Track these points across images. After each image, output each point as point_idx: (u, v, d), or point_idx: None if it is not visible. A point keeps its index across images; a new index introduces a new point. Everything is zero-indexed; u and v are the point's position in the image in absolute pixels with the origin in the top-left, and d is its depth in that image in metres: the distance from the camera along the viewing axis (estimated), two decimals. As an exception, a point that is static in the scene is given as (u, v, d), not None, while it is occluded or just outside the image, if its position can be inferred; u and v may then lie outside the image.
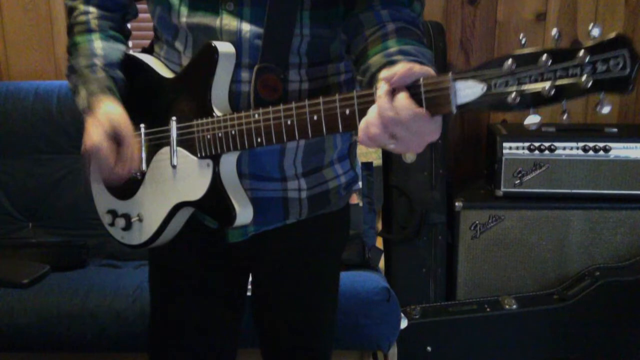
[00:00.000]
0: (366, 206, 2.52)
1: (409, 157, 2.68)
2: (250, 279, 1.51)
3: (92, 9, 1.36)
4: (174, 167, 1.27)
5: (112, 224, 1.40)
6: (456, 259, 2.65)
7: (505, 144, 2.60)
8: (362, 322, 2.14)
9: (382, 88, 0.95)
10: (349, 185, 1.43)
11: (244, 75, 1.23)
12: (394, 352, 2.24)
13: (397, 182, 2.70)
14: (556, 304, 2.52)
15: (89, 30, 1.34)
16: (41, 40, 2.83)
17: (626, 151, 2.57)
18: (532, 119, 0.86)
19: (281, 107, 1.10)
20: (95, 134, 1.23)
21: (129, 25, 1.45)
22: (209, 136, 1.20)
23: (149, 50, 1.41)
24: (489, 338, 2.52)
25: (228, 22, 1.21)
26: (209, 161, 1.22)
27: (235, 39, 1.21)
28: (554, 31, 0.85)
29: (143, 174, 1.34)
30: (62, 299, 2.16)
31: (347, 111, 1.02)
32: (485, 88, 0.87)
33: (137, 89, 1.32)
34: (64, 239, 2.53)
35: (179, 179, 1.28)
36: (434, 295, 2.72)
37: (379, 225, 2.66)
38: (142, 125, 1.31)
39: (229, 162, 1.23)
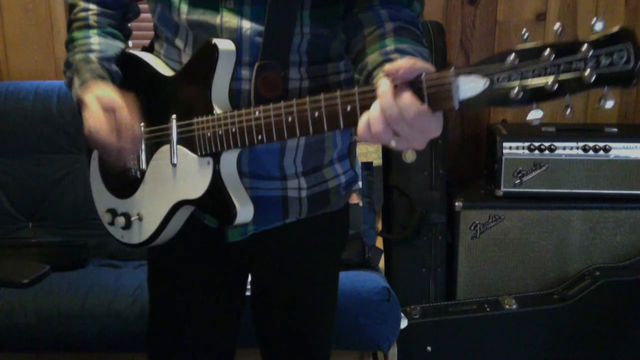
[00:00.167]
0: (366, 206, 2.52)
1: (409, 157, 2.68)
2: (249, 278, 1.51)
3: (92, 6, 1.36)
4: (174, 165, 1.27)
5: (111, 223, 1.40)
6: (456, 259, 2.65)
7: (505, 144, 2.60)
8: (362, 322, 2.14)
9: (384, 84, 0.95)
10: (348, 185, 1.43)
11: (244, 73, 1.23)
12: (394, 352, 2.24)
13: (397, 182, 2.70)
14: (556, 304, 2.52)
15: (88, 27, 1.34)
16: (41, 40, 2.83)
17: (626, 151, 2.57)
18: (534, 114, 0.86)
19: (282, 104, 1.10)
20: (91, 117, 1.22)
21: (129, 25, 1.45)
22: (209, 134, 1.20)
23: (149, 49, 1.41)
24: (489, 338, 2.51)
25: (228, 19, 1.21)
26: (210, 159, 1.22)
27: (236, 36, 1.21)
28: (557, 25, 0.84)
29: (143, 172, 1.34)
30: (62, 299, 2.16)
31: (349, 107, 1.01)
32: (487, 83, 0.87)
33: (136, 87, 1.32)
34: (64, 239, 2.53)
35: (179, 177, 1.27)
36: (434, 295, 2.72)
37: (379, 225, 2.65)
38: (141, 124, 1.30)
39: (229, 160, 1.23)
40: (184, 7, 1.23)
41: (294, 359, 1.50)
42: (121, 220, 1.37)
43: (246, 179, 1.29)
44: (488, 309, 2.52)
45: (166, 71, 1.31)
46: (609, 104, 0.82)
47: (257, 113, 1.13)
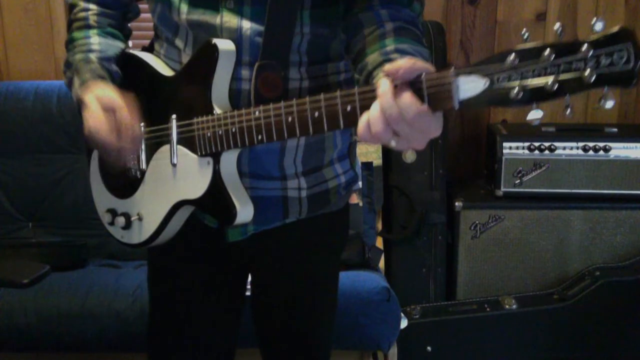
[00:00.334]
0: (366, 206, 2.52)
1: (409, 157, 2.68)
2: (249, 278, 1.50)
3: (92, 6, 1.36)
4: (174, 165, 1.27)
5: (111, 223, 1.40)
6: (456, 259, 2.65)
7: (505, 144, 2.60)
8: (362, 322, 2.14)
9: (384, 84, 0.95)
10: (348, 185, 1.43)
11: (244, 72, 1.23)
12: (394, 352, 2.24)
13: (397, 182, 2.70)
14: (556, 304, 2.52)
15: (87, 27, 1.34)
16: (41, 40, 2.83)
17: (626, 151, 2.57)
18: (534, 114, 0.85)
19: (282, 104, 1.10)
20: (91, 117, 1.22)
21: (129, 25, 1.45)
22: (209, 134, 1.20)
23: (149, 49, 1.40)
24: (489, 338, 2.51)
25: (228, 19, 1.21)
26: (210, 159, 1.22)
27: (236, 36, 1.21)
28: (557, 25, 0.84)
29: (143, 172, 1.34)
30: (62, 299, 2.16)
31: (349, 107, 1.01)
32: (487, 83, 0.87)
33: (136, 87, 1.32)
34: (64, 239, 2.53)
35: (179, 177, 1.27)
36: (434, 295, 2.72)
37: (379, 225, 2.65)
38: (141, 124, 1.30)
39: (229, 160, 1.23)
40: (184, 7, 1.23)
41: (294, 359, 1.50)
42: (121, 220, 1.37)
43: (246, 179, 1.29)
44: (488, 309, 2.51)
45: (166, 71, 1.31)
46: (609, 104, 0.82)
47: (257, 113, 1.13)
